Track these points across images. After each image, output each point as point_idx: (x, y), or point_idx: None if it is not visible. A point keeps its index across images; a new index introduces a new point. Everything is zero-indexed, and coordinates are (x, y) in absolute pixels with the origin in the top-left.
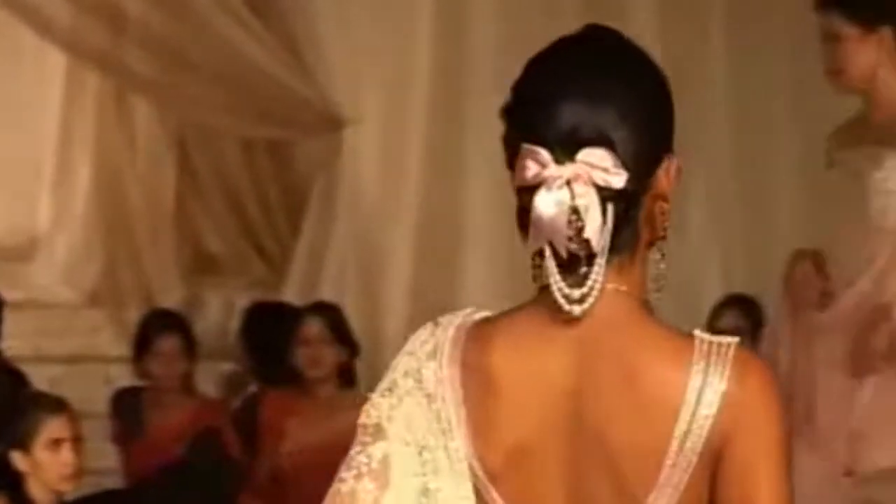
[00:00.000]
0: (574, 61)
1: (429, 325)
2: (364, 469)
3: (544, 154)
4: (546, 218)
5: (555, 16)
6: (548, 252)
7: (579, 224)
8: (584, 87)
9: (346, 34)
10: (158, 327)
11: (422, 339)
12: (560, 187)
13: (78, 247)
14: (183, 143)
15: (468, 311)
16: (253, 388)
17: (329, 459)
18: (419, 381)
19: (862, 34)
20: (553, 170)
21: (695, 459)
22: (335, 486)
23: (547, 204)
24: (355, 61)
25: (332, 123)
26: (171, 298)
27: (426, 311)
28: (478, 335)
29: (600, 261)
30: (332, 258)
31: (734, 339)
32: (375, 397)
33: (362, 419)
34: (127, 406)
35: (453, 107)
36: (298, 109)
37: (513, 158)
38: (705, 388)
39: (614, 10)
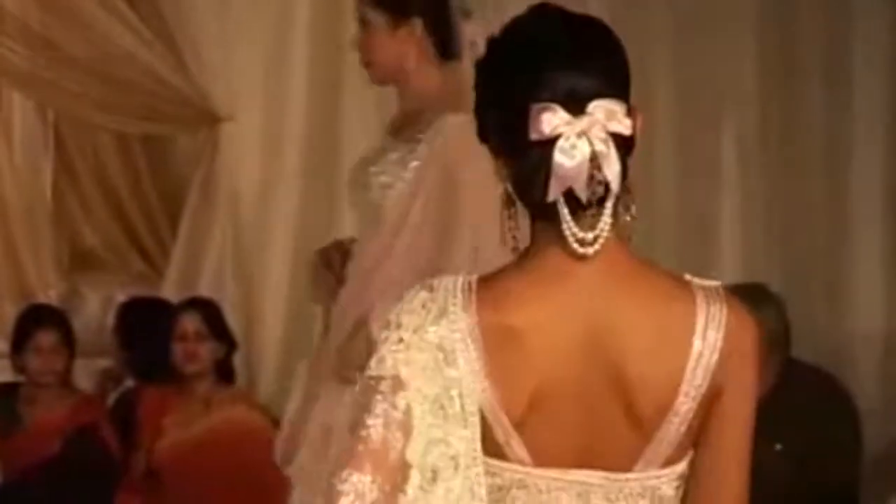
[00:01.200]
0: (556, 25)
1: (421, 289)
2: (390, 418)
3: (559, 109)
4: (568, 166)
5: None
6: (562, 199)
7: (598, 169)
8: (575, 47)
9: (222, 27)
10: (37, 322)
11: (421, 300)
12: (579, 136)
13: None
14: (60, 138)
15: (459, 275)
16: (130, 383)
17: (206, 454)
18: (429, 338)
19: (391, 25)
20: (571, 121)
21: (703, 390)
22: (361, 432)
23: (569, 153)
24: (232, 55)
25: (209, 118)
26: (49, 294)
27: (305, 307)
28: (486, 291)
29: (609, 204)
30: (211, 254)
31: (718, 283)
32: (385, 352)
33: (373, 372)
34: (2, 402)
35: (331, 100)
36: (175, 104)
37: (512, 119)
38: (709, 327)
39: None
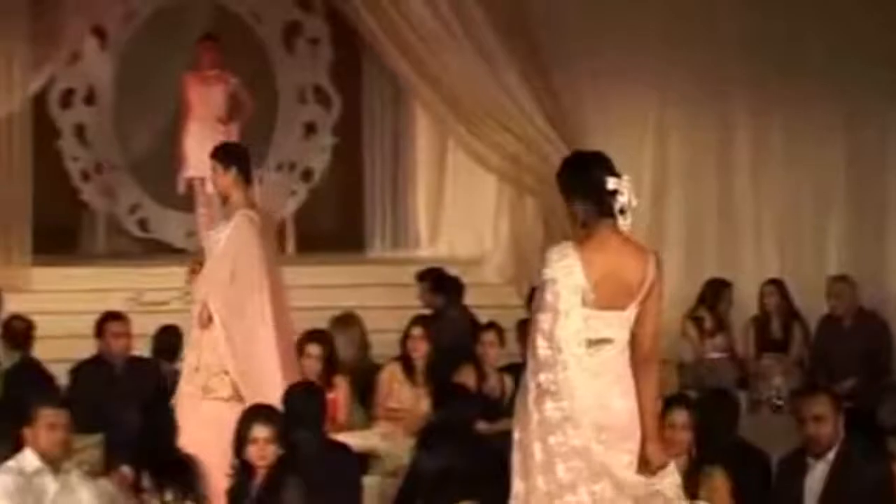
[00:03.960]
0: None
1: (555, 249)
2: (553, 295)
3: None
4: (628, 196)
5: None
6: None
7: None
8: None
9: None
10: None
11: (557, 253)
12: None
13: None
14: None
15: (561, 245)
16: None
17: None
18: (563, 262)
19: None
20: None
21: (648, 285)
22: (534, 316)
23: (628, 191)
24: None
25: None
26: None
27: None
28: (583, 249)
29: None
30: None
31: (655, 250)
32: (548, 269)
33: (545, 276)
34: None
35: None
36: None
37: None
38: (650, 263)
39: None
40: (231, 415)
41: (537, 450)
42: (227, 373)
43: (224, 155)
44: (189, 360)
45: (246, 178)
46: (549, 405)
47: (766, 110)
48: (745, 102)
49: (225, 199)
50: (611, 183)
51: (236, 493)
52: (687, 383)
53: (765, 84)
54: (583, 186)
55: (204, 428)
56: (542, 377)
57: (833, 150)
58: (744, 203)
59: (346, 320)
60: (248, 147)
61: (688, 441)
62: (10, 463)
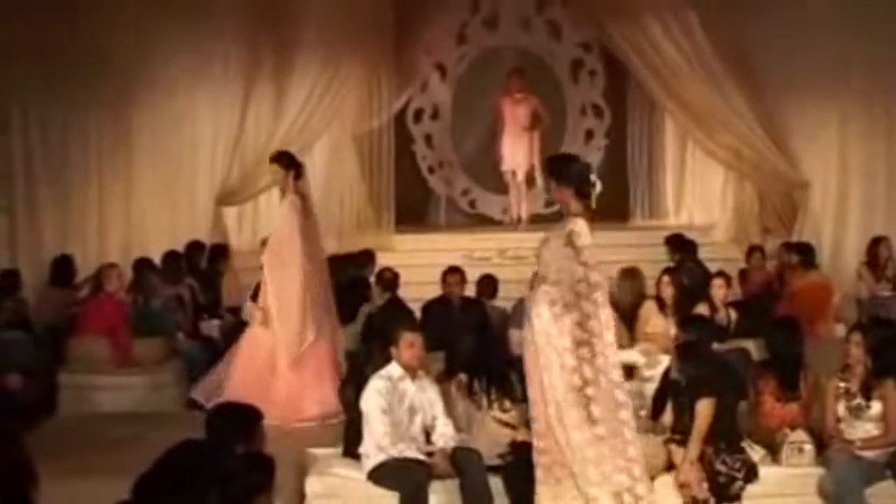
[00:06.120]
0: None
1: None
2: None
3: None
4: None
5: None
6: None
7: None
8: None
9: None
10: None
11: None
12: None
13: None
14: None
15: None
16: None
17: None
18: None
19: None
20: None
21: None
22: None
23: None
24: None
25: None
26: None
27: None
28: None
29: None
30: None
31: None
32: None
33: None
34: None
35: None
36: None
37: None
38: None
39: None
40: None
41: None
42: None
43: (289, 160)
44: None
45: (297, 175)
46: None
47: None
48: None
49: (282, 192)
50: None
51: None
52: (862, 314)
53: None
54: (575, 175)
55: None
56: None
57: None
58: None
59: (632, 273)
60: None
61: (862, 357)
62: (382, 371)
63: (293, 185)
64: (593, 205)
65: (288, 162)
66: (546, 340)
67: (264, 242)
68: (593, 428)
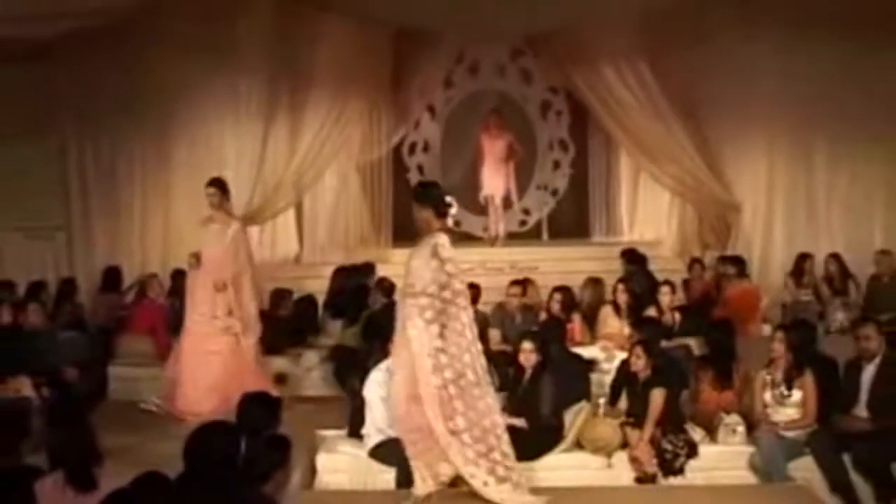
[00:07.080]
0: None
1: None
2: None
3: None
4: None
5: None
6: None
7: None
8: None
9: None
10: None
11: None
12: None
13: None
14: None
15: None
16: None
17: None
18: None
19: None
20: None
21: None
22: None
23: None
24: None
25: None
26: None
27: None
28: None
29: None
30: None
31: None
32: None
33: (444, 255)
34: None
35: None
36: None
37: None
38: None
39: None
40: None
41: None
42: None
43: (223, 185)
44: None
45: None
46: None
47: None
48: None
49: (214, 209)
50: (448, 198)
51: (512, 383)
52: (785, 317)
53: (839, 138)
54: (434, 198)
55: None
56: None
57: None
58: (820, 202)
59: (595, 281)
60: (224, 180)
61: (785, 352)
62: (381, 365)
63: (227, 206)
64: (450, 223)
65: (223, 186)
66: (420, 346)
67: (196, 256)
68: (447, 423)
